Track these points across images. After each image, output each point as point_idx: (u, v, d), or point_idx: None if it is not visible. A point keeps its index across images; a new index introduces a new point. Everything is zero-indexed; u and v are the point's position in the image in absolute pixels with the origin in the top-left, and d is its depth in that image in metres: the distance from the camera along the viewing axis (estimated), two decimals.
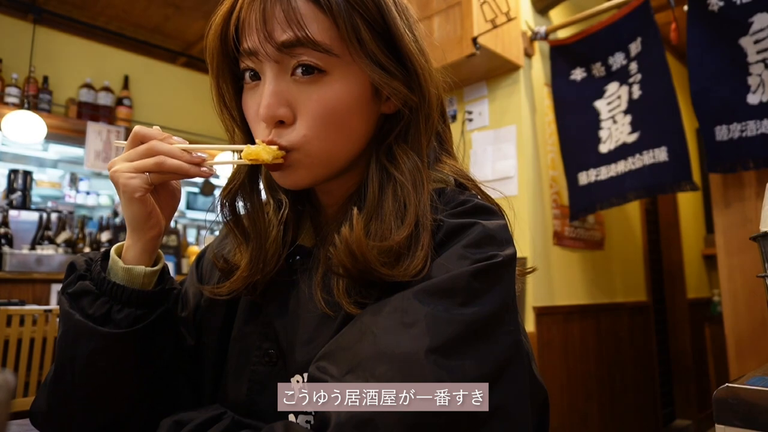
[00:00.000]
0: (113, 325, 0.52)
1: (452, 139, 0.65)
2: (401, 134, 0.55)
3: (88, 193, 3.90)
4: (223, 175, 4.33)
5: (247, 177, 0.58)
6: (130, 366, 0.54)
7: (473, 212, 0.51)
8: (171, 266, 3.47)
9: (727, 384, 0.67)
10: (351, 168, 0.56)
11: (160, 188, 0.56)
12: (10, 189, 3.37)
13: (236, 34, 0.52)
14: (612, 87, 2.16)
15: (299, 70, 0.50)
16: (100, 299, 0.53)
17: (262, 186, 0.61)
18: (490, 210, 0.52)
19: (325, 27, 0.49)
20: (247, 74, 0.53)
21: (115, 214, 4.19)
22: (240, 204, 0.59)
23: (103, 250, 0.58)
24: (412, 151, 0.53)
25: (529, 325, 2.08)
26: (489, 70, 2.24)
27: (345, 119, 0.51)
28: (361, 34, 0.50)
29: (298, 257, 0.59)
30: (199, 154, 0.54)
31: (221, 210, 0.59)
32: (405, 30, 0.53)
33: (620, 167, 2.11)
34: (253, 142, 0.55)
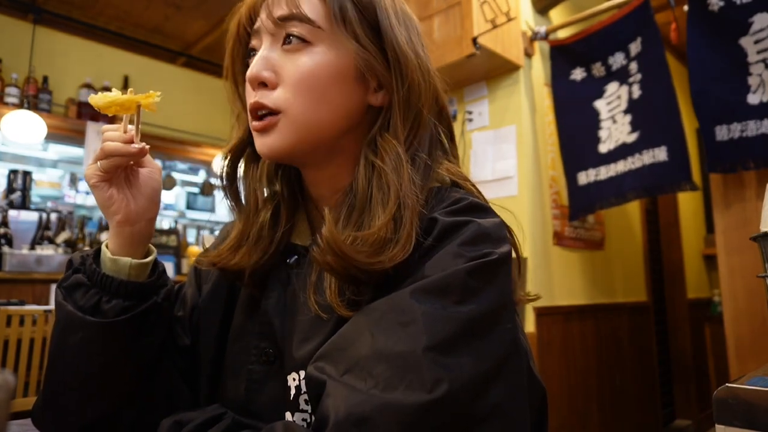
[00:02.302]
0: (101, 315, 0.54)
1: (458, 154, 0.66)
2: (384, 124, 0.56)
3: (87, 193, 3.90)
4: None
5: (247, 142, 0.61)
6: (119, 357, 0.55)
7: (468, 210, 0.51)
8: (170, 266, 3.46)
9: (727, 384, 0.67)
10: (338, 159, 0.58)
11: (132, 176, 0.59)
12: (10, 189, 3.37)
13: (253, 19, 0.58)
14: (612, 87, 2.16)
15: (288, 40, 0.55)
16: (91, 290, 0.55)
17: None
18: (485, 208, 0.53)
19: (317, 6, 0.55)
20: (252, 53, 0.58)
21: None
22: (239, 176, 0.63)
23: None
24: (392, 139, 0.55)
25: (529, 325, 2.08)
26: (489, 70, 2.24)
27: (323, 88, 0.54)
28: (347, 15, 0.55)
29: (295, 257, 0.60)
30: (137, 139, 0.57)
31: (221, 175, 0.62)
32: (395, 24, 0.57)
33: (620, 167, 2.11)
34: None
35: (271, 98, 0.54)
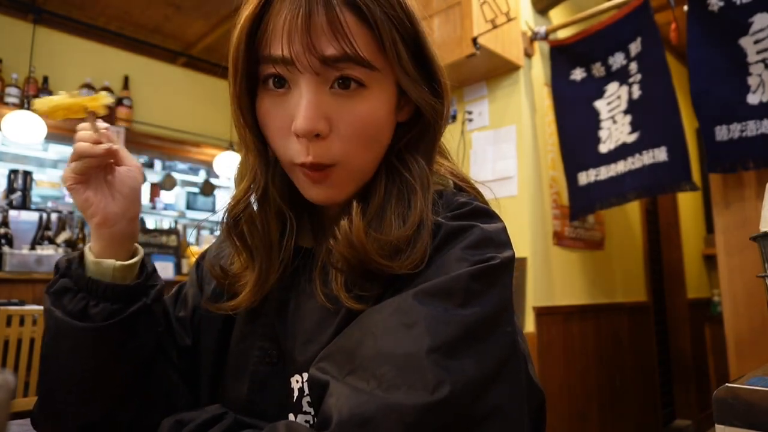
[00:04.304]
0: (90, 320, 0.53)
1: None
2: (412, 141, 0.55)
3: None
4: (223, 175, 4.33)
5: (258, 195, 0.57)
6: (110, 360, 0.54)
7: (472, 215, 0.51)
8: (170, 266, 3.46)
9: (727, 384, 0.67)
10: None
11: (110, 176, 0.57)
12: (10, 189, 3.37)
13: (265, 37, 0.49)
14: (612, 87, 2.17)
15: (339, 83, 0.49)
16: (78, 295, 0.54)
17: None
18: (489, 213, 0.53)
19: (368, 40, 0.48)
20: (271, 80, 0.50)
21: None
22: (245, 220, 0.57)
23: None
24: (421, 157, 0.54)
25: (529, 325, 2.08)
26: (489, 70, 2.24)
27: (379, 133, 0.52)
28: (398, 48, 0.50)
29: (300, 258, 0.59)
30: (105, 135, 0.55)
31: (227, 225, 0.57)
32: (431, 43, 0.54)
33: (620, 167, 2.11)
34: (265, 148, 0.54)
35: (328, 155, 0.49)
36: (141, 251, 0.58)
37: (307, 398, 0.52)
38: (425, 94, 0.53)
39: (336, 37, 0.46)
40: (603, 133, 2.19)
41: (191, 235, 4.29)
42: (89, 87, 3.70)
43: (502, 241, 0.50)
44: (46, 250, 3.04)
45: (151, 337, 0.58)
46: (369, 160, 0.53)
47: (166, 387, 0.60)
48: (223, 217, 0.58)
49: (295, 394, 0.53)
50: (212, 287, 0.64)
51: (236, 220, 0.57)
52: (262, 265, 0.56)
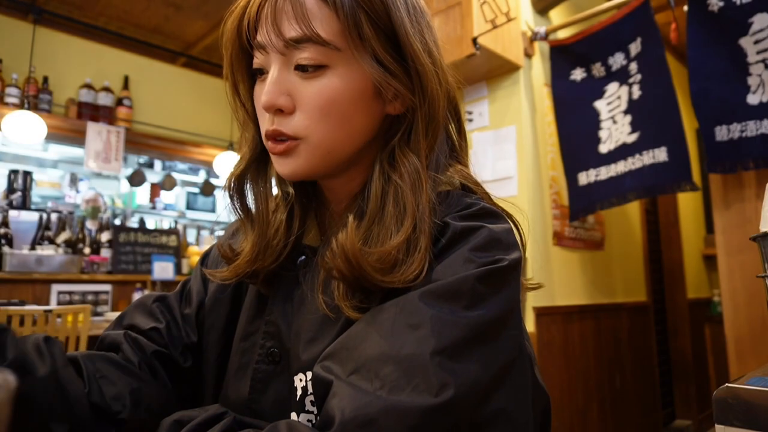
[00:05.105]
0: None
1: (467, 148, 0.66)
2: (404, 137, 0.55)
3: (90, 189, 3.90)
4: (223, 175, 4.34)
5: (255, 161, 0.59)
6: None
7: (480, 215, 0.51)
8: (170, 266, 3.46)
9: (727, 384, 0.67)
10: (354, 166, 0.57)
11: None
12: (10, 189, 3.37)
13: (251, 29, 0.53)
14: (612, 87, 2.16)
15: (303, 67, 0.51)
16: None
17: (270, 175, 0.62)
18: (497, 214, 0.53)
19: (329, 21, 0.50)
20: (259, 72, 0.55)
21: (114, 215, 4.20)
22: (248, 188, 0.60)
23: None
24: (412, 154, 0.53)
25: (529, 325, 2.08)
26: (489, 71, 2.24)
27: (345, 113, 0.52)
28: (363, 30, 0.51)
29: (303, 257, 0.60)
30: None
31: (228, 191, 0.60)
32: (411, 30, 0.53)
33: (620, 167, 2.11)
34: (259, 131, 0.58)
35: (290, 126, 0.52)
36: None
37: (311, 397, 0.52)
38: (393, 83, 0.52)
39: (296, 19, 0.50)
40: (603, 134, 2.19)
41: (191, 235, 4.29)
42: (89, 87, 3.70)
43: (510, 242, 0.50)
44: (46, 251, 3.04)
45: (63, 407, 0.51)
46: (336, 139, 0.53)
47: (160, 402, 0.58)
48: (226, 183, 0.60)
49: (299, 392, 0.53)
50: (216, 284, 0.64)
51: (238, 186, 0.59)
52: (257, 236, 0.58)
